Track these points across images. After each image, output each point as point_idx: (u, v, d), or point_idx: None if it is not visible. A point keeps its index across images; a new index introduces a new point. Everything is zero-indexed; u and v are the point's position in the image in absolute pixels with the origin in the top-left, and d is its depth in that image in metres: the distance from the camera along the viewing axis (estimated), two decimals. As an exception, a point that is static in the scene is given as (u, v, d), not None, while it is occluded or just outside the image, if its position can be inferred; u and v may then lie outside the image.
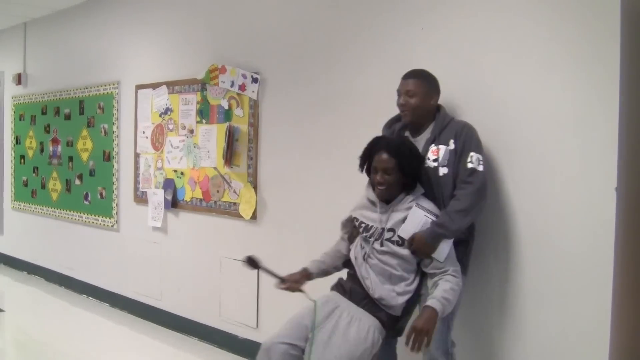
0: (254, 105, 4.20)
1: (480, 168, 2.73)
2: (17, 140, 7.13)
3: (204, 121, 4.59)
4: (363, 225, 2.82)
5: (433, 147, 2.82)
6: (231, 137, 4.30)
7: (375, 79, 3.48)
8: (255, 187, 4.20)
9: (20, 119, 7.07)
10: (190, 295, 4.76)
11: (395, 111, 3.02)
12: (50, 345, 4.69)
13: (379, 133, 3.45)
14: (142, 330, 4.99)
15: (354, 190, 3.56)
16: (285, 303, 4.04)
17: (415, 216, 2.69)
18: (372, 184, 2.82)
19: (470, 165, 2.72)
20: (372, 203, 2.83)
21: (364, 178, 3.53)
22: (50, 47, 6.51)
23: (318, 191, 3.81)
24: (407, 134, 2.96)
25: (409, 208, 2.72)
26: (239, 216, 4.28)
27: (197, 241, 4.69)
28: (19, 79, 6.95)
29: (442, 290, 2.59)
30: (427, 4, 3.24)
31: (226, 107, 4.39)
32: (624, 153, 2.62)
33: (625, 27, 2.59)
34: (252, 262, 2.93)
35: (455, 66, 3.10)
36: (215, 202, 4.51)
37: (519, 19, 2.88)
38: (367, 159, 2.83)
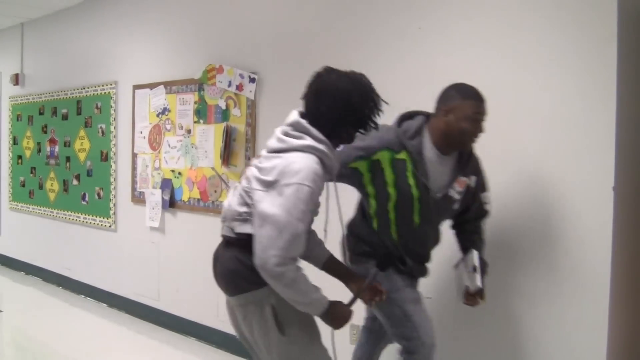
0: (252, 105, 4.20)
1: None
2: (15, 141, 7.12)
3: (201, 121, 4.59)
4: None
5: (461, 178, 2.59)
6: (229, 137, 4.30)
7: (373, 79, 3.47)
8: (253, 187, 4.19)
9: (17, 119, 7.06)
10: (188, 296, 4.76)
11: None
12: (48, 346, 4.68)
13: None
14: (140, 330, 4.98)
15: (351, 190, 3.56)
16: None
17: None
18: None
19: (488, 208, 2.73)
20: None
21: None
22: (48, 48, 6.51)
23: (316, 191, 3.81)
24: (433, 150, 2.54)
25: None
26: (236, 216, 4.27)
27: (195, 241, 4.68)
28: (16, 80, 6.94)
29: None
30: (426, 4, 3.24)
31: (223, 107, 4.39)
32: (622, 153, 2.62)
33: (622, 28, 2.59)
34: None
35: (452, 67, 3.11)
36: (212, 202, 4.50)
37: (516, 19, 2.88)
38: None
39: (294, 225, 2.02)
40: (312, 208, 2.11)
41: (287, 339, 2.16)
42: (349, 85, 2.17)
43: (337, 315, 2.21)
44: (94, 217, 5.77)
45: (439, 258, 3.16)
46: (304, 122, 2.17)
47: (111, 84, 5.53)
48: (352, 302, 2.32)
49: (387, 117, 3.41)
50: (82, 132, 5.93)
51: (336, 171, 2.28)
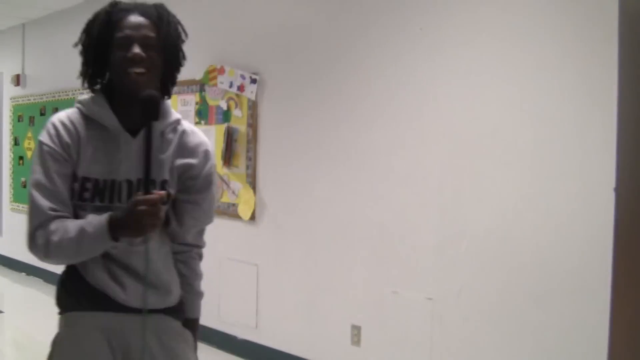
0: (253, 106, 4.20)
1: None
2: (16, 142, 7.12)
3: (202, 122, 4.59)
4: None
5: None
6: (230, 138, 4.30)
7: (374, 78, 3.48)
8: (254, 188, 4.19)
9: (18, 120, 7.06)
10: (189, 296, 4.75)
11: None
12: (48, 346, 4.67)
13: (378, 132, 3.45)
14: (141, 331, 4.98)
15: (352, 191, 3.57)
16: (285, 302, 4.04)
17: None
18: (121, 72, 1.70)
19: None
20: (108, 138, 1.73)
21: (362, 177, 3.53)
22: (49, 48, 6.51)
23: (317, 192, 3.81)
24: None
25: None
26: (237, 217, 4.27)
27: (196, 242, 4.68)
28: (17, 80, 6.95)
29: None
30: (426, 4, 3.24)
31: (225, 108, 4.39)
32: (623, 153, 2.61)
33: (623, 28, 2.59)
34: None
35: (452, 67, 3.11)
36: (214, 203, 4.50)
37: (517, 19, 2.88)
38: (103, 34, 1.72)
39: (30, 195, 1.65)
40: (55, 163, 1.68)
41: None
42: None
43: (124, 222, 1.60)
44: (95, 218, 5.77)
45: (441, 257, 3.16)
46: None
47: (112, 85, 5.53)
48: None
49: (394, 117, 3.41)
50: (83, 133, 5.93)
51: (108, 119, 1.79)
